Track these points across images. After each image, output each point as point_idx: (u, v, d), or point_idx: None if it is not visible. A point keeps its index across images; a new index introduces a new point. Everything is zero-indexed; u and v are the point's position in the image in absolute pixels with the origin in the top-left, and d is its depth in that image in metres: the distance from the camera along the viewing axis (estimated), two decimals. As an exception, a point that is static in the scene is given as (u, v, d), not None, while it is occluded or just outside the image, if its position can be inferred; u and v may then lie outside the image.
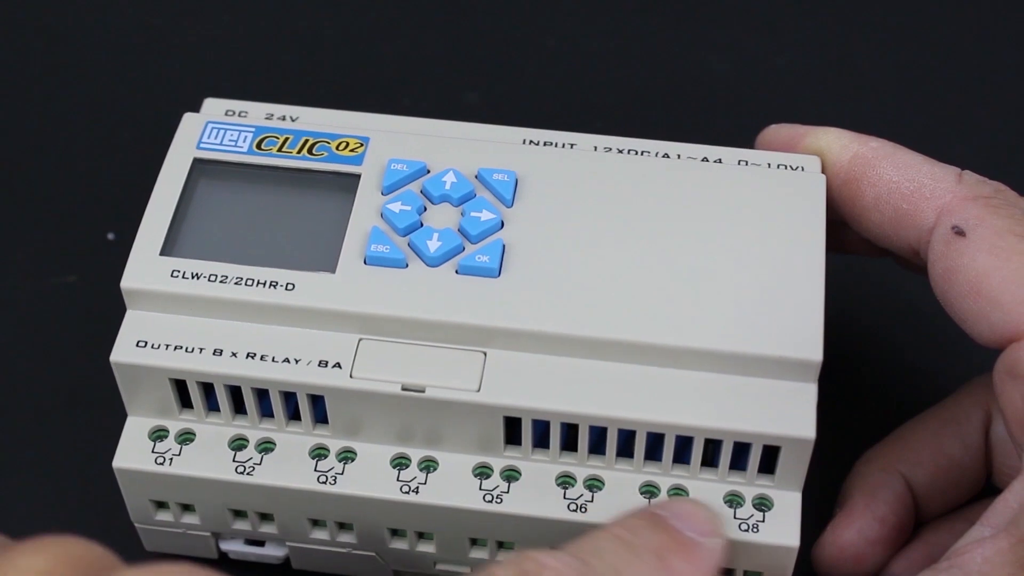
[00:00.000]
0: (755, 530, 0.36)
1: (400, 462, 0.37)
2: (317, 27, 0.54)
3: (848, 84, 0.52)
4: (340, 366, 0.36)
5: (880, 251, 0.40)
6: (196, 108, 0.41)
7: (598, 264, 0.37)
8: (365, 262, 0.37)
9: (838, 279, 0.38)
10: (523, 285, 0.36)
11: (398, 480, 0.37)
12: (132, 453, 0.37)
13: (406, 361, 0.36)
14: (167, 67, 0.53)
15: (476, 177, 0.38)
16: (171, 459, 0.37)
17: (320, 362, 0.36)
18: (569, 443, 0.36)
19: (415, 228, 0.37)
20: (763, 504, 0.36)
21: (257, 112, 0.40)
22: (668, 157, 0.39)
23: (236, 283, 0.37)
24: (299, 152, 0.39)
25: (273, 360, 0.36)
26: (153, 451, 0.37)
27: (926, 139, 0.40)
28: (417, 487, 0.36)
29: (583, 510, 0.36)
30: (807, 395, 0.35)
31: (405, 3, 0.55)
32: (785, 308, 0.36)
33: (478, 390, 0.36)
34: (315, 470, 0.37)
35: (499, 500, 0.36)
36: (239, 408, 0.37)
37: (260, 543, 0.39)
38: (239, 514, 0.38)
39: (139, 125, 0.51)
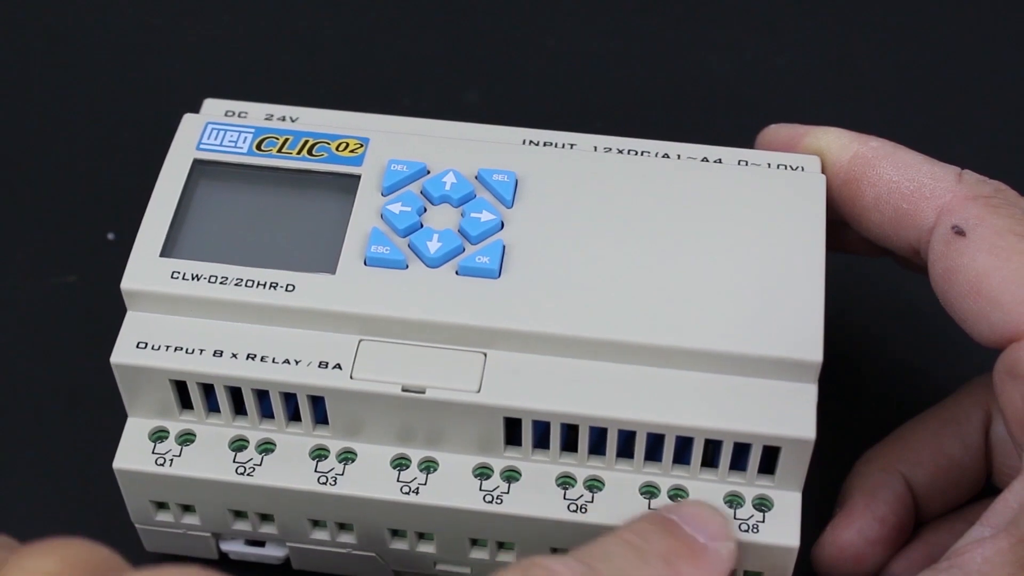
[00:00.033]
0: (755, 530, 0.36)
1: (400, 463, 0.37)
2: (317, 27, 0.54)
3: (848, 84, 0.52)
4: (340, 367, 0.36)
5: (880, 251, 0.40)
6: (196, 108, 0.41)
7: (598, 265, 0.37)
8: (365, 263, 0.37)
9: (838, 279, 0.38)
10: (523, 286, 0.36)
11: (398, 481, 0.37)
12: (132, 454, 0.37)
13: (406, 362, 0.36)
14: (167, 67, 0.53)
15: (476, 178, 0.38)
16: (171, 460, 0.37)
17: (320, 363, 0.36)
18: (569, 444, 0.36)
19: (415, 229, 0.37)
20: (763, 504, 0.36)
21: (257, 113, 0.40)
22: (668, 157, 0.39)
23: (236, 284, 0.37)
24: (299, 153, 0.39)
25: (273, 361, 0.36)
26: (153, 452, 0.37)
27: (926, 139, 0.40)
28: (417, 488, 0.36)
29: (583, 511, 0.36)
30: (807, 395, 0.35)
31: (405, 3, 0.55)
32: (785, 308, 0.36)
33: (478, 391, 0.36)
34: (315, 471, 0.37)
35: (499, 501, 0.36)
36: (239, 409, 0.37)
37: (260, 543, 0.39)
38: (239, 515, 0.38)
39: (139, 125, 0.51)
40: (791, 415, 0.35)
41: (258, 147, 0.39)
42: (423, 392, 0.36)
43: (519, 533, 0.37)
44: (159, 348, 0.36)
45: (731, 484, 0.36)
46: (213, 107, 0.40)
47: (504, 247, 0.37)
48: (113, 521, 0.40)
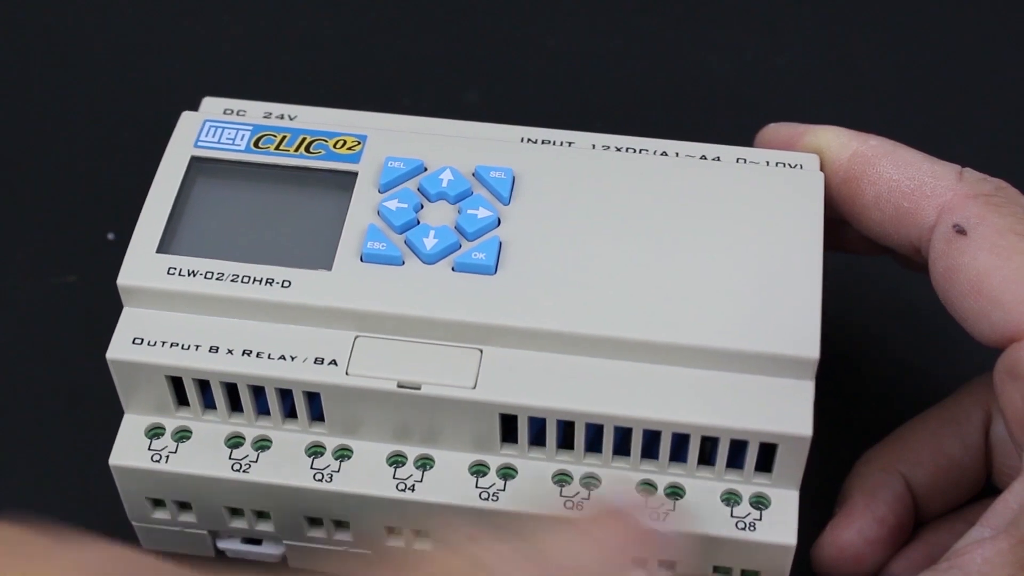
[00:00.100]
0: (752, 528, 0.36)
1: (396, 459, 0.37)
2: (317, 27, 0.54)
3: (848, 84, 0.52)
4: (336, 363, 0.36)
5: (880, 249, 0.39)
6: (196, 108, 0.41)
7: (594, 261, 0.37)
8: (361, 259, 0.37)
9: (837, 278, 0.38)
10: (519, 282, 0.36)
11: (394, 478, 0.37)
12: (128, 450, 0.37)
13: (402, 358, 0.36)
14: (167, 67, 0.53)
15: (473, 175, 0.38)
16: (167, 456, 0.37)
17: (316, 359, 0.36)
18: (566, 441, 0.36)
19: (412, 225, 0.37)
20: (760, 502, 0.36)
21: (255, 111, 0.40)
22: (666, 155, 0.39)
23: (232, 280, 0.37)
24: (296, 150, 0.39)
25: (269, 357, 0.36)
26: (150, 448, 0.37)
27: (926, 139, 0.40)
28: (413, 485, 0.36)
29: (579, 508, 0.36)
30: (804, 392, 0.35)
31: (405, 3, 0.55)
32: (782, 305, 0.36)
33: (474, 387, 0.36)
34: (311, 467, 0.37)
35: (495, 498, 0.36)
36: (235, 405, 0.37)
37: (257, 541, 0.39)
38: (236, 512, 0.38)
39: (139, 125, 0.51)
40: (788, 412, 0.35)
41: (255, 144, 0.39)
42: (419, 388, 0.36)
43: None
44: (155, 344, 0.36)
45: (728, 482, 0.36)
46: (212, 105, 0.40)
47: (500, 244, 0.37)
48: (112, 519, 0.40)
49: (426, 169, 0.38)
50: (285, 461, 0.37)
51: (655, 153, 0.39)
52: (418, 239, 0.37)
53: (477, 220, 0.37)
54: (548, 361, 0.36)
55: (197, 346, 0.36)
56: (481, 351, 0.36)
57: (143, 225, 0.38)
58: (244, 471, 0.37)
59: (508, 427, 0.36)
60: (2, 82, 0.52)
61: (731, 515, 0.36)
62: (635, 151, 0.39)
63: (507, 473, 0.37)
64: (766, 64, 0.53)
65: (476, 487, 0.36)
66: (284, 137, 0.39)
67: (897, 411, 0.41)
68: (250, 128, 0.39)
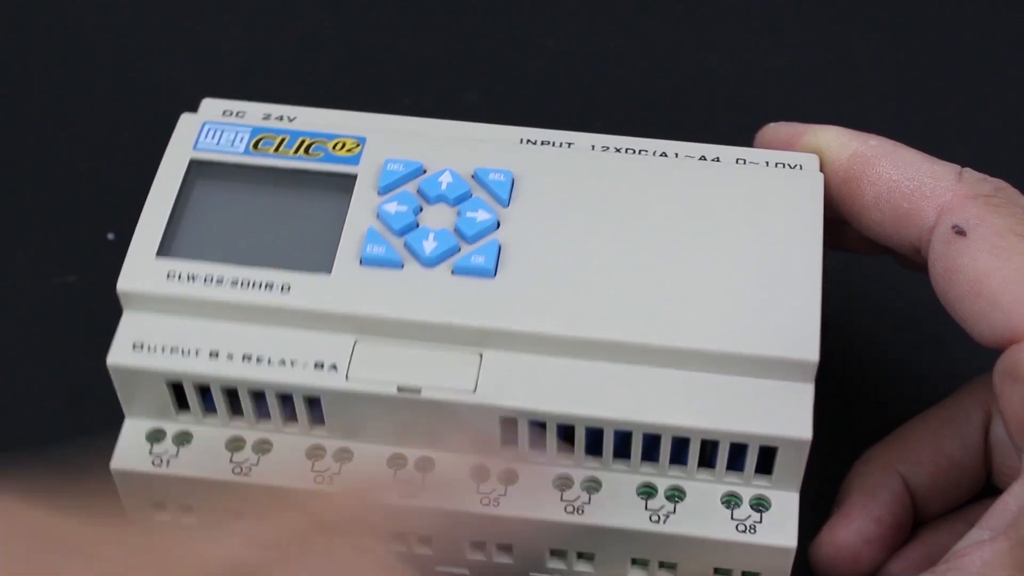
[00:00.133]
0: (752, 531, 0.36)
1: (397, 462, 0.37)
2: (317, 27, 0.54)
3: (848, 84, 0.52)
4: (336, 368, 0.36)
5: (881, 249, 0.39)
6: (196, 108, 0.40)
7: (593, 264, 0.37)
8: (361, 263, 0.37)
9: (837, 278, 0.38)
10: (518, 285, 0.36)
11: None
12: (129, 455, 0.37)
13: (402, 362, 0.36)
14: (167, 67, 0.53)
15: (472, 177, 0.38)
16: (168, 461, 0.37)
17: (316, 364, 0.36)
18: (567, 444, 0.36)
19: (411, 228, 0.37)
20: (761, 504, 0.36)
21: (255, 112, 0.40)
22: (666, 156, 0.39)
23: (232, 285, 0.36)
24: (295, 152, 0.39)
25: (269, 362, 0.36)
26: (150, 453, 0.37)
27: (926, 139, 0.40)
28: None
29: (580, 512, 0.36)
30: (804, 395, 0.35)
31: (405, 3, 0.55)
32: (782, 308, 0.36)
33: (474, 391, 0.36)
34: (312, 470, 0.37)
35: (496, 503, 0.36)
36: (236, 409, 0.37)
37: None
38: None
39: (139, 125, 0.51)
40: (787, 415, 0.35)
41: (255, 146, 0.39)
42: (419, 392, 0.36)
43: (516, 535, 0.37)
44: (155, 349, 0.36)
45: (728, 484, 0.36)
46: (211, 107, 0.40)
47: (500, 246, 0.37)
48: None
49: (425, 171, 0.38)
50: (285, 464, 0.37)
51: (654, 154, 0.39)
52: (417, 242, 0.37)
53: (476, 223, 0.37)
54: (548, 364, 0.36)
55: (197, 351, 0.36)
56: (481, 354, 0.36)
57: (142, 229, 0.37)
58: (244, 474, 0.37)
59: (508, 431, 0.36)
60: (2, 82, 0.52)
61: (731, 517, 0.36)
62: (634, 152, 0.39)
63: (508, 478, 0.36)
64: (766, 64, 0.53)
65: (477, 492, 0.36)
66: (283, 139, 0.39)
67: (898, 411, 0.41)
68: (249, 130, 0.39)
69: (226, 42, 0.54)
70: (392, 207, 0.37)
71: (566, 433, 0.36)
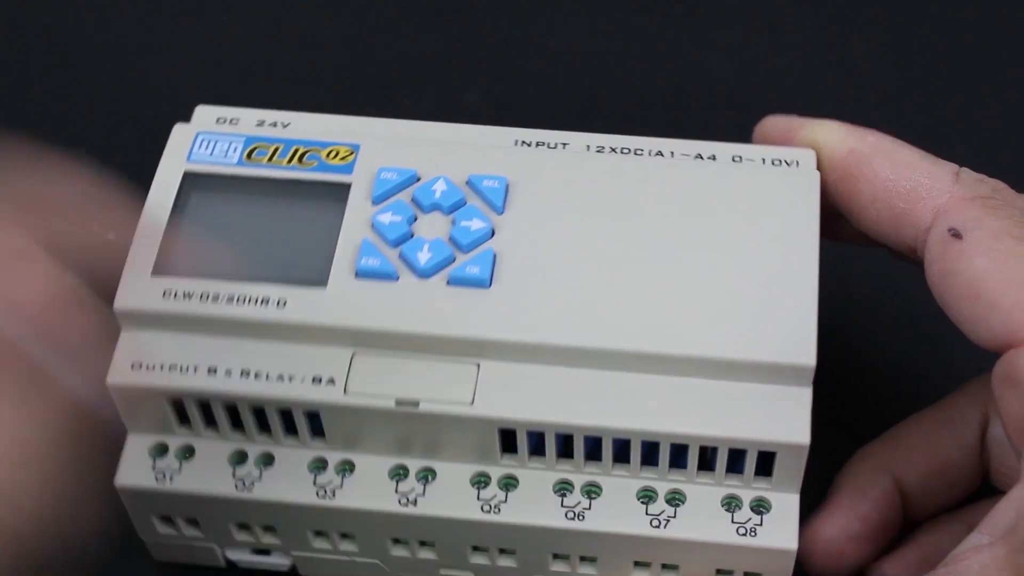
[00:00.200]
0: (753, 534, 0.36)
1: (398, 473, 0.37)
2: (317, 27, 0.54)
3: (848, 84, 0.52)
4: (334, 382, 0.36)
5: (877, 242, 0.39)
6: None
7: (588, 271, 0.37)
8: (356, 275, 0.37)
9: (834, 278, 0.38)
10: (514, 295, 0.36)
11: (396, 492, 0.37)
12: (133, 471, 0.37)
13: (400, 375, 0.36)
14: (167, 67, 0.53)
15: (467, 184, 0.38)
16: (171, 476, 0.37)
17: (314, 378, 0.36)
18: (566, 449, 0.36)
19: (406, 239, 0.37)
20: (761, 506, 0.36)
21: (248, 119, 0.40)
22: (662, 154, 0.39)
23: (228, 301, 0.36)
24: (289, 162, 0.39)
25: (267, 378, 0.36)
26: (154, 468, 0.37)
27: (926, 139, 0.40)
28: (415, 499, 0.36)
29: (581, 518, 0.36)
30: (801, 399, 0.35)
31: (405, 3, 0.55)
32: (778, 312, 0.36)
33: (472, 403, 0.35)
34: (314, 484, 0.37)
35: (497, 510, 0.36)
36: (237, 422, 0.37)
37: (266, 551, 0.39)
38: (243, 526, 0.38)
39: (139, 125, 0.50)
40: (785, 420, 0.35)
41: (248, 157, 0.39)
42: (417, 405, 0.36)
43: (518, 541, 0.37)
44: (154, 367, 0.36)
45: (729, 487, 0.36)
46: (204, 115, 0.40)
47: (495, 256, 0.37)
48: (119, 525, 0.40)
49: (419, 179, 0.38)
50: (288, 478, 0.37)
51: (650, 153, 0.39)
52: (412, 253, 0.37)
53: (471, 232, 0.37)
54: (545, 374, 0.36)
55: (195, 368, 0.36)
56: (478, 365, 0.36)
57: (138, 246, 0.37)
58: (248, 489, 0.37)
59: (508, 439, 0.36)
60: (2, 82, 0.52)
61: (732, 520, 0.36)
62: (630, 151, 0.39)
63: (509, 483, 0.37)
64: (766, 64, 0.52)
65: (478, 499, 0.36)
66: (277, 148, 0.39)
67: (896, 411, 0.41)
68: (243, 140, 0.39)
69: (226, 42, 0.53)
70: (386, 217, 0.37)
71: (565, 440, 0.36)
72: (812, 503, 0.38)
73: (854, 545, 0.38)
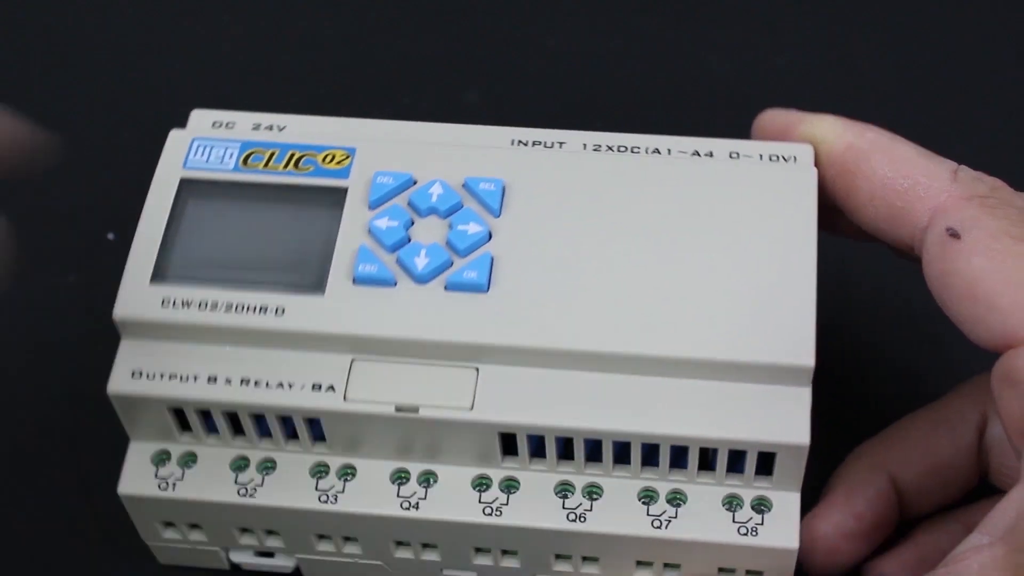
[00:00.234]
0: (754, 533, 0.36)
1: (400, 477, 0.37)
2: (317, 27, 0.54)
3: (848, 84, 0.52)
4: (334, 388, 0.36)
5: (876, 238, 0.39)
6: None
7: (586, 273, 0.36)
8: (354, 282, 0.37)
9: (833, 278, 0.38)
10: (511, 299, 0.36)
11: (398, 496, 0.37)
12: (136, 479, 0.37)
13: (399, 380, 0.36)
14: (167, 67, 0.53)
15: (463, 187, 0.38)
16: (174, 484, 0.37)
17: (314, 385, 0.36)
18: (567, 451, 0.36)
19: (403, 244, 0.37)
20: (762, 506, 0.36)
21: (244, 123, 0.40)
22: (659, 152, 0.39)
23: (227, 309, 0.36)
24: (285, 167, 0.38)
25: (267, 385, 0.36)
26: (156, 476, 0.37)
27: (926, 138, 0.39)
28: (417, 503, 0.36)
29: (582, 519, 0.36)
30: (800, 400, 0.35)
31: (405, 3, 0.55)
32: (776, 312, 0.36)
33: (471, 408, 0.36)
34: (316, 489, 0.37)
35: (498, 513, 0.36)
36: (238, 429, 0.37)
37: (270, 554, 0.39)
38: (246, 530, 0.38)
39: (139, 125, 0.50)
40: (785, 421, 0.35)
41: (244, 162, 0.39)
42: (416, 411, 0.36)
43: (520, 543, 0.37)
44: (154, 376, 0.36)
45: (729, 487, 0.36)
46: (200, 119, 0.40)
47: (492, 259, 0.37)
48: (122, 528, 0.40)
49: (415, 182, 0.38)
50: (290, 484, 0.37)
51: (647, 150, 0.39)
52: (409, 259, 0.37)
53: (468, 236, 0.37)
54: (544, 377, 0.36)
55: (195, 376, 0.36)
56: (477, 370, 0.36)
57: (135, 254, 0.37)
58: (250, 495, 0.37)
59: (508, 442, 0.36)
60: (2, 82, 0.52)
61: (733, 520, 0.36)
62: (627, 149, 0.39)
63: (510, 486, 0.37)
64: (766, 64, 0.52)
65: (479, 502, 0.36)
66: (273, 153, 0.39)
67: (896, 409, 0.41)
68: (239, 145, 0.39)
69: (226, 42, 0.53)
70: (383, 222, 0.37)
71: (566, 442, 0.36)
72: (812, 502, 0.38)
73: (848, 542, 0.38)
